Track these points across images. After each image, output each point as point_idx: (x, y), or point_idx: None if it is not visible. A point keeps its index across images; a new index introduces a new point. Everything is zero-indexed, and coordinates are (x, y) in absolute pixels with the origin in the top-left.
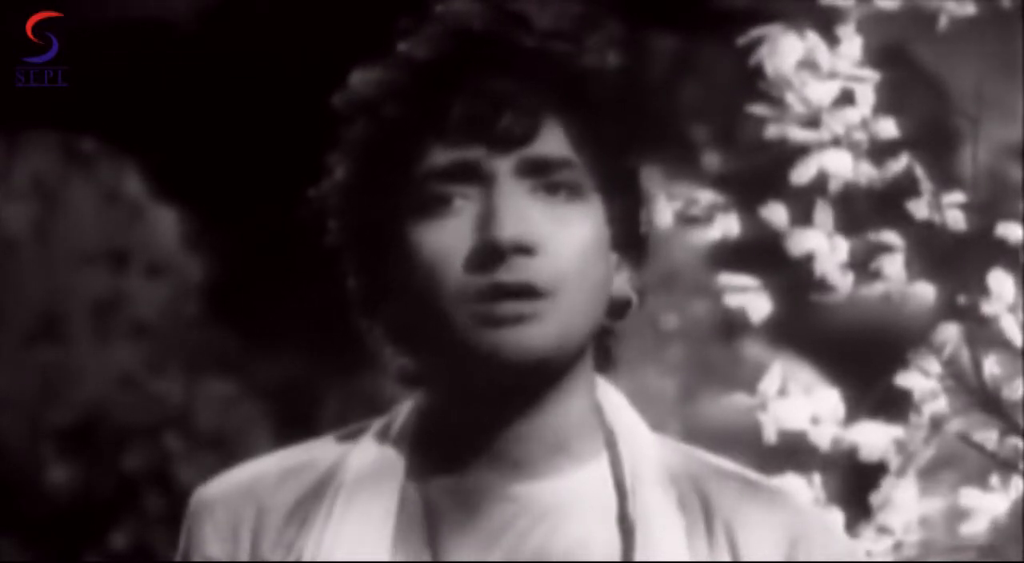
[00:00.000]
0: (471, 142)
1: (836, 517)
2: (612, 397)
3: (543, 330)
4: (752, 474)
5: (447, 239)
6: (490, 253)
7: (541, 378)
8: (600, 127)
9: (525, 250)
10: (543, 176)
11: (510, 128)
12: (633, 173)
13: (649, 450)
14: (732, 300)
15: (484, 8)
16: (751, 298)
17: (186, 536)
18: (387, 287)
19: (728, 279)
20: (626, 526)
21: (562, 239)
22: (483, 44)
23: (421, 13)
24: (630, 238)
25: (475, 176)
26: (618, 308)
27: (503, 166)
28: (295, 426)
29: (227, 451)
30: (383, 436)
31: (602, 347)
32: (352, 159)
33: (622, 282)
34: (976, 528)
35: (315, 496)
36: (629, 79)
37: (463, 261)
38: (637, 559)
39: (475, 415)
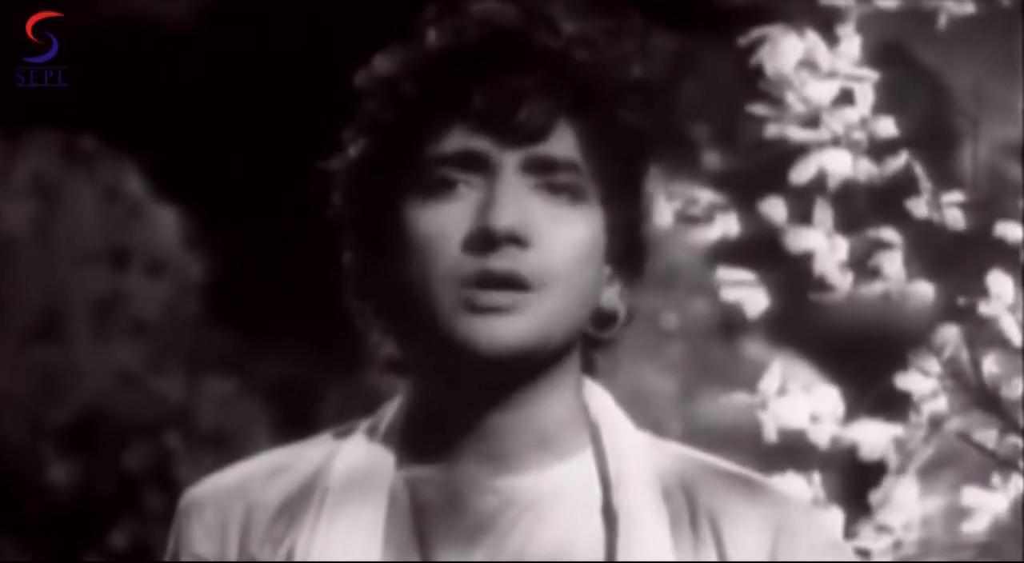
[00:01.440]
0: (483, 132)
1: (835, 515)
2: (597, 395)
3: (520, 324)
4: (739, 469)
5: (445, 222)
6: (484, 239)
7: (517, 373)
8: (612, 137)
9: (518, 241)
10: (547, 175)
11: (523, 124)
12: (638, 187)
13: (633, 445)
14: (729, 294)
15: (514, 8)
16: (748, 292)
17: (175, 536)
18: (382, 266)
19: (726, 273)
20: (610, 518)
21: (557, 237)
22: (508, 40)
23: (448, 4)
24: (626, 252)
25: (482, 166)
26: (604, 320)
27: (510, 160)
28: (295, 425)
29: (227, 450)
30: (371, 435)
31: (589, 355)
32: (364, 134)
33: (612, 295)
34: (978, 527)
35: (303, 495)
36: (648, 93)
37: (457, 245)
38: (620, 550)
39: (459, 408)
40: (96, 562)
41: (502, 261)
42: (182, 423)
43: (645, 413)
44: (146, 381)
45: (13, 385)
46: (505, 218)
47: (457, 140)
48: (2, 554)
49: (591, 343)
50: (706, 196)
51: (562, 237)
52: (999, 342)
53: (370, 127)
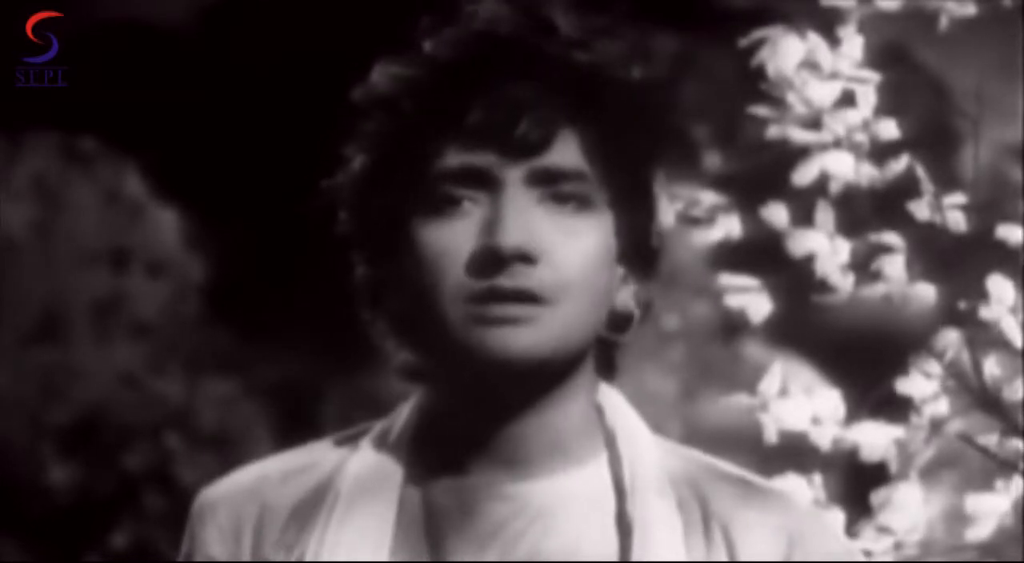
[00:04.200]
0: (484, 147)
1: (837, 517)
2: (613, 399)
3: (535, 334)
4: (751, 476)
5: (452, 240)
6: (491, 258)
7: (533, 382)
8: (616, 141)
9: (526, 258)
10: (553, 186)
11: (525, 136)
12: (647, 188)
13: (649, 452)
14: (733, 301)
15: (512, 12)
16: (752, 299)
17: (189, 537)
18: (391, 280)
19: (729, 280)
20: (624, 526)
21: (566, 250)
22: (507, 48)
23: (445, 11)
24: (638, 252)
25: (485, 182)
26: (620, 321)
27: (514, 174)
28: (295, 426)
29: (227, 450)
30: (383, 439)
31: (605, 357)
32: (366, 152)
33: (626, 296)
34: (982, 533)
35: (316, 498)
36: (650, 93)
37: (464, 263)
38: (634, 559)
39: (473, 414)
40: None
41: (512, 279)
42: (182, 424)
43: (646, 414)
44: (146, 382)
45: (14, 386)
46: (512, 236)
47: (459, 156)
48: (2, 555)
49: (606, 345)
50: (708, 198)
51: (572, 249)
52: (1000, 344)
53: (371, 143)
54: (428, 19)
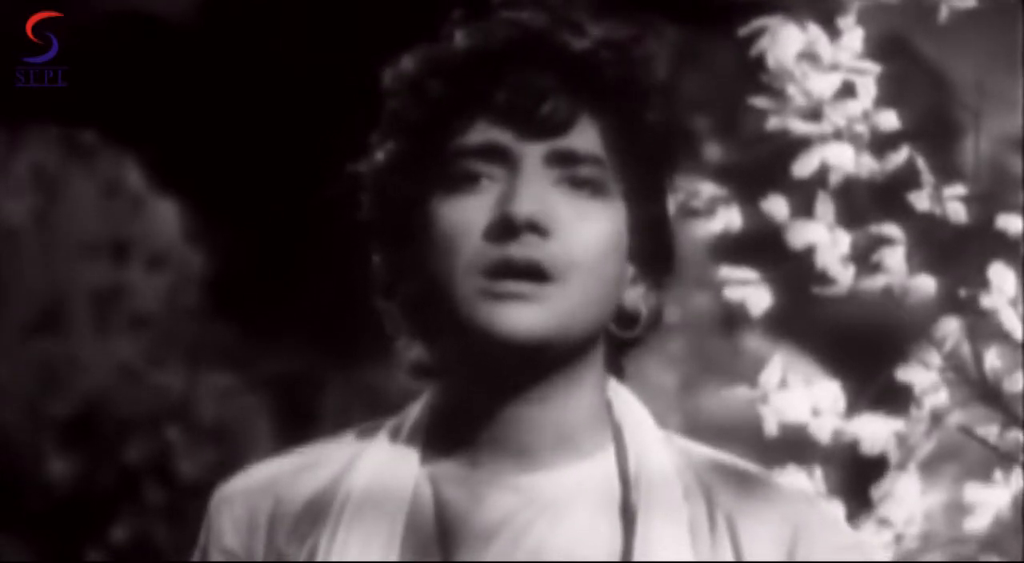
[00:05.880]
0: (506, 126)
1: (837, 509)
2: (622, 394)
3: (539, 313)
4: (755, 469)
5: (468, 214)
6: (505, 226)
7: (538, 364)
8: (635, 135)
9: (538, 229)
10: (570, 168)
11: (547, 117)
12: (661, 187)
13: (655, 444)
14: (733, 293)
15: (541, 12)
16: (752, 291)
17: (205, 532)
18: (408, 265)
19: (729, 272)
20: (628, 516)
21: (578, 229)
22: (534, 42)
23: (475, 9)
24: (650, 252)
25: (504, 159)
26: (627, 320)
27: (533, 153)
28: (296, 418)
29: (228, 443)
30: (395, 434)
31: (614, 356)
32: (390, 133)
33: (635, 296)
34: (980, 523)
35: (328, 494)
36: (668, 95)
37: (479, 235)
38: (637, 550)
39: (482, 403)
40: (96, 559)
41: (522, 249)
42: (182, 416)
43: (647, 407)
44: (146, 374)
45: (13, 378)
46: (525, 206)
47: (480, 133)
48: (3, 548)
49: (616, 344)
50: (708, 189)
51: (584, 229)
52: (1000, 335)
53: (396, 127)
54: (459, 12)
